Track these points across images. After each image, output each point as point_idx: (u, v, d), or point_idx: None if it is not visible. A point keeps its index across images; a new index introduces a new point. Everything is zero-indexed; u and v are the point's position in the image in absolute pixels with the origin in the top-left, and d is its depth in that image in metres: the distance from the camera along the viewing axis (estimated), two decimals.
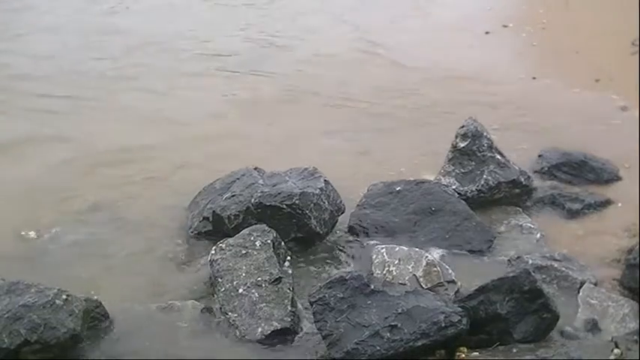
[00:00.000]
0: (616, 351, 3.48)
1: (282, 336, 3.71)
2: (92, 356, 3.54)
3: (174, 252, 4.49)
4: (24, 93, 6.95)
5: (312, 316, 3.63)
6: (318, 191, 4.55)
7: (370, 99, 7.10)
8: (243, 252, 4.12)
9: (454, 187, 5.08)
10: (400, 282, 3.90)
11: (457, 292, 3.96)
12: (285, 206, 4.46)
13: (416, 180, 5.05)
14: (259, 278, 3.95)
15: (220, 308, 3.88)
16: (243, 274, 3.99)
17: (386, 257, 4.12)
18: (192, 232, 4.68)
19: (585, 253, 4.49)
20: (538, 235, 4.71)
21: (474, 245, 4.54)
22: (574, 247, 4.58)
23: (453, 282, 4.04)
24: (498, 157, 5.19)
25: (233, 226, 4.52)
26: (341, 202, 4.77)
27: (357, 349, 3.36)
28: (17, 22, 9.02)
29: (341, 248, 4.56)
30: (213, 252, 4.17)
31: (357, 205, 4.89)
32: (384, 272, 4.05)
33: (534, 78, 7.73)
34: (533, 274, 3.67)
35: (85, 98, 6.86)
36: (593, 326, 3.78)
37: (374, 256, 4.18)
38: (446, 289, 3.96)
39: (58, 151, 5.79)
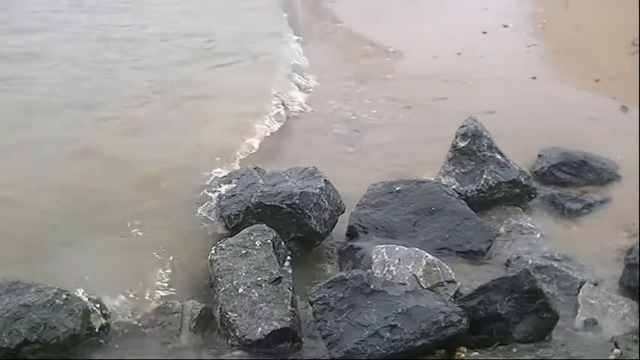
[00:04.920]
0: (616, 351, 3.48)
1: (282, 335, 3.70)
2: (92, 356, 3.54)
3: (174, 252, 4.49)
4: None
5: (312, 316, 3.62)
6: (318, 191, 4.55)
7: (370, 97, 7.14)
8: (243, 252, 4.12)
9: (454, 186, 5.08)
10: (400, 282, 3.90)
11: (457, 292, 3.95)
12: (285, 206, 4.46)
13: (416, 180, 5.05)
14: (259, 278, 3.95)
15: (220, 308, 3.87)
16: (243, 274, 3.98)
17: (386, 257, 4.12)
18: (192, 232, 4.67)
19: (585, 253, 4.49)
20: (538, 235, 4.71)
21: (474, 245, 4.53)
22: (574, 247, 4.58)
23: (453, 282, 4.03)
24: (498, 156, 5.18)
25: (233, 225, 4.52)
26: (341, 202, 4.77)
27: (357, 348, 3.36)
28: None
29: (341, 248, 4.56)
30: (213, 252, 4.17)
31: (357, 205, 4.89)
32: (384, 272, 4.04)
33: (534, 78, 7.73)
34: (533, 274, 3.67)
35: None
36: (593, 326, 3.78)
37: (374, 256, 4.17)
38: (446, 289, 3.96)
39: (57, 148, 5.79)
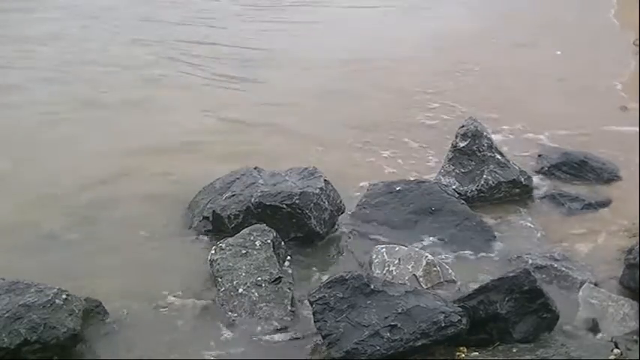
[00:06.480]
0: (616, 351, 3.48)
1: (282, 335, 3.70)
2: (92, 356, 3.54)
3: (175, 251, 4.49)
4: None
5: (312, 316, 3.62)
6: (318, 191, 4.55)
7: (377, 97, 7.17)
8: (243, 252, 4.12)
9: (454, 186, 5.08)
10: (400, 282, 3.90)
11: (457, 292, 3.95)
12: (285, 206, 4.46)
13: (416, 180, 5.05)
14: (259, 278, 3.95)
15: (220, 308, 3.88)
16: (243, 274, 3.98)
17: (386, 257, 4.12)
18: (192, 232, 4.67)
19: (585, 253, 4.49)
20: (538, 235, 4.71)
21: (474, 245, 4.53)
22: (574, 246, 4.58)
23: (453, 282, 4.03)
24: (498, 156, 5.19)
25: (233, 225, 4.52)
26: (341, 201, 4.76)
27: (356, 348, 3.35)
28: None
29: (341, 248, 4.56)
30: (213, 252, 4.17)
31: (357, 205, 4.89)
32: (384, 272, 4.05)
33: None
34: (533, 273, 3.66)
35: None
36: (593, 326, 3.77)
37: (374, 256, 4.18)
38: (446, 289, 3.96)
39: (57, 151, 5.80)
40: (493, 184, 5.07)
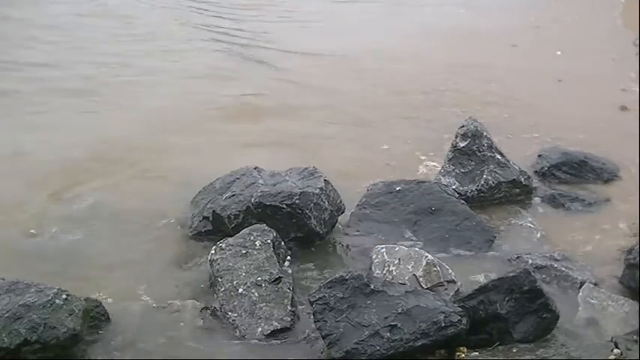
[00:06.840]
0: (616, 351, 3.48)
1: (282, 336, 3.71)
2: (92, 356, 3.54)
3: (174, 251, 4.49)
4: None
5: (312, 316, 3.62)
6: (318, 191, 4.55)
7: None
8: (243, 252, 4.12)
9: (454, 186, 5.08)
10: (400, 282, 3.90)
11: (457, 292, 3.95)
12: (285, 206, 4.46)
13: (416, 180, 5.05)
14: (259, 278, 3.95)
15: (220, 308, 3.88)
16: (243, 274, 3.99)
17: (386, 257, 4.12)
18: (192, 232, 4.68)
19: (585, 253, 4.49)
20: (538, 235, 4.71)
21: (474, 245, 4.53)
22: (574, 246, 4.58)
23: (453, 282, 4.03)
24: (498, 156, 5.19)
25: (233, 225, 4.52)
26: (341, 201, 4.76)
27: (356, 348, 3.35)
28: None
29: (341, 248, 4.56)
30: (213, 252, 4.17)
31: (357, 205, 4.89)
32: (384, 272, 4.04)
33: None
34: (533, 273, 3.66)
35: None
36: (593, 326, 3.77)
37: (374, 256, 4.18)
38: (446, 289, 3.96)
39: (57, 149, 5.79)
40: (493, 184, 5.07)
